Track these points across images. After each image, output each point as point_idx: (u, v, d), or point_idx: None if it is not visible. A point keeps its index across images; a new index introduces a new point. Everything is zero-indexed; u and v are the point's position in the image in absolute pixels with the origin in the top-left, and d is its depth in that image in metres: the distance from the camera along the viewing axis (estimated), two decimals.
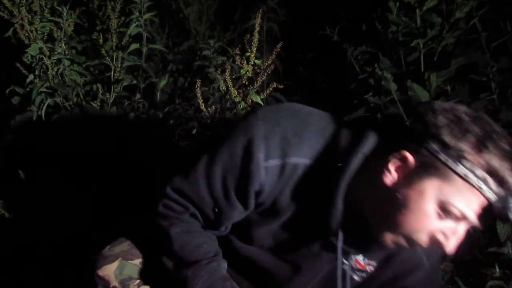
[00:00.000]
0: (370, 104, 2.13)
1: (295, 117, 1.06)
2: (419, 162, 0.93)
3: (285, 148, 1.00)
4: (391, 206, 0.95)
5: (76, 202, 1.79)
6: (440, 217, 0.93)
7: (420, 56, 2.11)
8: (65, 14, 1.85)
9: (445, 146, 0.90)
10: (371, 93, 2.14)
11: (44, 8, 1.90)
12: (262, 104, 1.73)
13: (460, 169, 0.89)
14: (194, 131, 1.92)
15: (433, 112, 0.93)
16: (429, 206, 0.92)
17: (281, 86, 1.73)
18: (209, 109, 1.76)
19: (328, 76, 2.61)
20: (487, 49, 2.11)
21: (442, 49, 2.09)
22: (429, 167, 0.91)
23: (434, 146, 0.91)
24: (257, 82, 1.70)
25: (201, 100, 1.71)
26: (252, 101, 1.71)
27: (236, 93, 1.71)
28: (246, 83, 1.73)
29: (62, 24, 1.87)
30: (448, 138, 0.90)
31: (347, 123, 1.07)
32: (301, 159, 1.01)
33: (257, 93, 1.72)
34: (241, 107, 1.71)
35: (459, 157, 0.89)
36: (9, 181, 1.89)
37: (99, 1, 2.11)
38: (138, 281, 1.17)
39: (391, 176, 0.95)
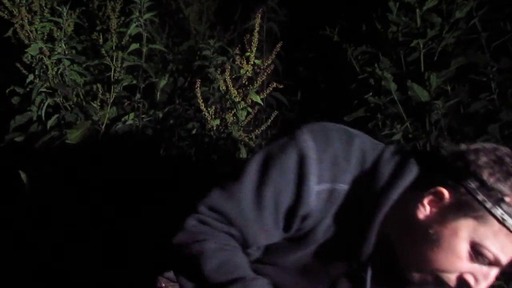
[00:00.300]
0: (370, 104, 2.14)
1: (342, 138, 1.00)
2: (456, 200, 0.90)
3: (336, 173, 0.96)
4: (422, 242, 0.92)
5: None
6: (471, 258, 0.90)
7: (420, 56, 2.11)
8: (65, 14, 1.85)
9: (484, 186, 0.87)
10: (371, 93, 2.14)
11: (44, 8, 1.90)
12: (262, 104, 1.73)
13: (499, 212, 0.86)
14: (194, 131, 1.92)
15: (475, 151, 0.91)
16: (462, 246, 0.89)
17: (281, 86, 1.73)
18: (209, 109, 1.76)
19: (328, 76, 2.61)
20: (487, 49, 2.11)
21: (442, 49, 2.10)
22: (465, 206, 0.89)
23: (473, 185, 0.88)
24: (257, 82, 1.70)
25: (201, 100, 1.71)
26: (252, 101, 1.71)
27: (236, 93, 1.71)
28: (246, 83, 1.73)
29: (62, 24, 1.87)
30: (488, 179, 0.87)
31: (388, 148, 1.03)
32: (345, 186, 0.97)
33: (257, 93, 1.72)
34: (241, 107, 1.71)
35: (498, 200, 0.87)
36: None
37: (99, 1, 2.11)
38: None
39: (425, 211, 0.93)
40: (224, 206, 0.98)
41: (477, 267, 0.91)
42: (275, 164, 0.96)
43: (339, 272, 1.05)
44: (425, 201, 0.93)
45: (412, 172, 0.96)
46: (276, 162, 0.97)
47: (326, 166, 0.96)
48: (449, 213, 0.90)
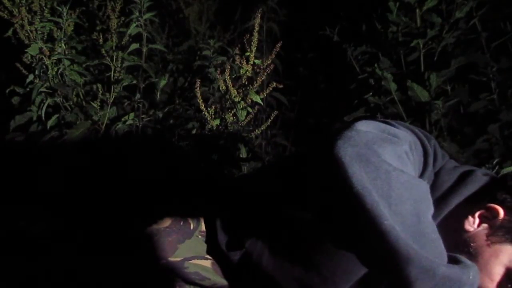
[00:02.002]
0: (370, 104, 2.14)
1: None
2: (509, 222, 0.90)
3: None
4: (461, 253, 0.91)
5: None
6: (500, 284, 0.90)
7: (420, 56, 2.11)
8: (65, 14, 1.85)
9: None
10: (371, 93, 2.14)
11: (44, 8, 1.90)
12: (262, 103, 1.73)
13: None
14: (194, 131, 1.92)
15: None
16: (498, 270, 0.90)
17: (281, 86, 1.73)
18: (209, 109, 1.76)
19: (328, 76, 2.61)
20: (487, 49, 2.11)
21: (442, 49, 2.10)
22: None
23: None
24: (256, 82, 1.70)
25: (201, 100, 1.71)
26: (252, 100, 1.71)
27: (236, 92, 1.71)
28: (246, 83, 1.73)
29: (62, 24, 1.87)
30: None
31: (451, 160, 1.03)
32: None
33: (257, 92, 1.72)
34: (241, 106, 1.71)
35: None
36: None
37: (99, 1, 2.11)
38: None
39: (473, 224, 0.93)
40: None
41: None
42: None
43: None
44: (477, 214, 0.93)
45: (473, 185, 0.96)
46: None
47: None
48: (497, 233, 0.91)
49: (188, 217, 1.19)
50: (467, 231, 0.93)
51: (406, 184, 0.81)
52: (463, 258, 0.86)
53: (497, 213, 0.91)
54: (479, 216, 0.93)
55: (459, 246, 0.93)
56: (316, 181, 0.95)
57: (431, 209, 0.85)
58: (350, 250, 0.89)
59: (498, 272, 0.90)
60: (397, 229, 0.76)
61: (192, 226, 1.19)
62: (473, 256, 0.91)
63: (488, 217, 0.92)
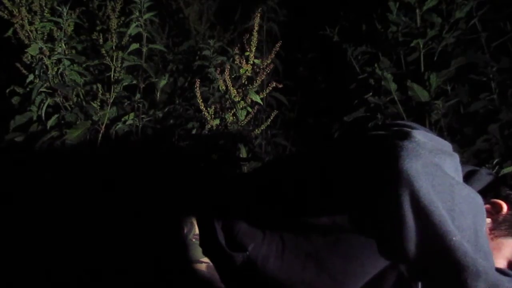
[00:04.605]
0: (370, 104, 2.14)
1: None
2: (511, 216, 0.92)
3: None
4: None
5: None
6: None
7: (420, 56, 2.11)
8: (65, 14, 1.85)
9: None
10: (371, 93, 2.14)
11: (44, 8, 1.90)
12: (262, 103, 1.73)
13: None
14: (194, 131, 1.92)
15: None
16: (499, 263, 0.91)
17: (281, 86, 1.73)
18: (208, 109, 1.76)
19: (328, 76, 2.61)
20: (487, 49, 2.11)
21: (442, 49, 2.10)
22: None
23: None
24: (256, 82, 1.70)
25: (201, 100, 1.71)
26: (252, 100, 1.71)
27: (236, 92, 1.71)
28: (246, 82, 1.73)
29: (62, 24, 1.87)
30: None
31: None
32: None
33: (257, 92, 1.72)
34: (241, 106, 1.71)
35: None
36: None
37: (99, 1, 2.11)
38: None
39: None
40: None
41: None
42: None
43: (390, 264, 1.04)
44: None
45: (479, 184, 0.97)
46: None
47: None
48: (500, 227, 0.92)
49: (181, 221, 1.19)
50: None
51: (467, 198, 0.81)
52: (507, 270, 0.88)
53: (501, 208, 0.93)
54: None
55: None
56: (359, 187, 0.92)
57: (485, 222, 0.85)
58: (398, 260, 0.87)
59: (500, 265, 0.91)
60: (465, 245, 0.76)
61: (185, 230, 1.18)
62: None
63: (492, 212, 0.93)
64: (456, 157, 0.87)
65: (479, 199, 0.84)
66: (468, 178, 0.98)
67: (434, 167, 0.80)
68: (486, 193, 0.95)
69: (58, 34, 1.88)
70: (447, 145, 0.91)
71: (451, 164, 0.84)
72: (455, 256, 0.75)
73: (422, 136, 0.87)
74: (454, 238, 0.76)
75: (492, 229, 0.92)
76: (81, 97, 1.95)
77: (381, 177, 0.83)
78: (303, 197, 1.04)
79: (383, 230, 0.84)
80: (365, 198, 0.89)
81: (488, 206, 0.94)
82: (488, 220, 0.93)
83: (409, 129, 0.89)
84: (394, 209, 0.80)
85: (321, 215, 1.00)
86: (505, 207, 0.92)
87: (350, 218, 0.97)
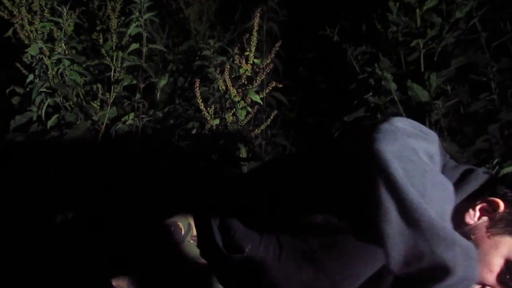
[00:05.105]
0: (370, 104, 2.14)
1: None
2: (509, 214, 0.92)
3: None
4: None
5: None
6: (500, 275, 0.91)
7: (420, 56, 2.11)
8: (65, 14, 1.85)
9: None
10: (371, 93, 2.14)
11: (44, 8, 1.90)
12: (262, 103, 1.73)
13: None
14: (194, 131, 1.92)
15: None
16: (497, 261, 0.91)
17: (281, 86, 1.73)
18: (208, 108, 1.76)
19: (328, 76, 2.61)
20: (487, 49, 2.11)
21: (442, 49, 2.10)
22: None
23: None
24: (256, 82, 1.70)
25: (201, 100, 1.71)
26: (252, 100, 1.71)
27: (236, 92, 1.71)
28: (246, 82, 1.73)
29: (62, 24, 1.87)
30: None
31: (451, 160, 1.04)
32: None
33: (257, 92, 1.72)
34: (240, 106, 1.71)
35: None
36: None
37: (99, 1, 2.11)
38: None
39: (474, 216, 0.94)
40: None
41: (501, 286, 0.92)
42: None
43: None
44: (477, 207, 0.94)
45: (476, 183, 0.97)
46: None
47: None
48: (497, 225, 0.92)
49: (179, 222, 1.18)
50: (467, 224, 0.94)
51: (438, 185, 0.82)
52: None
53: (498, 206, 0.93)
54: (480, 209, 0.94)
55: None
56: (341, 175, 0.94)
57: (451, 211, 0.86)
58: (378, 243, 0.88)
59: (497, 263, 0.91)
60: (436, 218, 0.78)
61: (183, 231, 1.18)
62: None
63: (489, 210, 0.94)
64: (435, 145, 0.88)
65: (450, 188, 0.86)
66: (465, 177, 0.99)
67: (410, 152, 0.81)
68: (483, 192, 0.96)
69: (58, 34, 1.87)
70: (431, 134, 0.91)
71: (427, 150, 0.85)
72: (435, 229, 0.77)
73: (402, 123, 0.88)
74: (432, 214, 0.78)
75: (489, 227, 0.93)
76: (81, 97, 1.95)
77: (359, 159, 0.85)
78: (296, 198, 1.05)
79: (362, 211, 0.85)
80: (346, 181, 0.91)
81: (485, 204, 0.94)
82: (485, 219, 0.94)
83: (392, 118, 0.90)
84: (370, 190, 0.81)
85: (315, 214, 1.01)
86: (502, 205, 0.92)
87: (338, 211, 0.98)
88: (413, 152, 0.82)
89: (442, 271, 0.77)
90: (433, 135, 0.91)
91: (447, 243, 0.76)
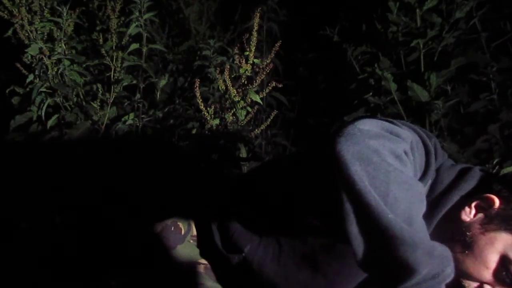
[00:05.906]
0: (370, 104, 2.14)
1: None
2: (504, 211, 0.92)
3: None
4: (456, 243, 0.93)
5: None
6: (496, 272, 0.91)
7: (420, 56, 2.11)
8: (65, 14, 1.85)
9: None
10: (371, 93, 2.14)
11: (44, 8, 1.90)
12: (262, 103, 1.73)
13: None
14: (194, 131, 1.92)
15: None
16: (493, 257, 0.91)
17: (281, 86, 1.73)
18: (208, 108, 1.76)
19: (328, 76, 2.61)
20: (487, 49, 2.11)
21: (442, 49, 2.10)
22: (511, 220, 0.91)
23: None
24: (256, 82, 1.70)
25: (201, 100, 1.71)
26: (252, 100, 1.71)
27: (236, 92, 1.71)
28: (246, 82, 1.73)
29: (62, 24, 1.87)
30: None
31: (449, 159, 1.04)
32: None
33: (257, 92, 1.72)
34: (240, 106, 1.71)
35: None
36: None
37: (99, 1, 2.11)
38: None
39: (469, 214, 0.94)
40: None
41: (498, 283, 0.92)
42: None
43: None
44: (473, 204, 0.94)
45: (473, 181, 0.98)
46: None
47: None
48: (492, 222, 0.92)
49: (178, 222, 1.18)
50: (463, 221, 0.95)
51: (403, 185, 0.82)
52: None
53: (493, 202, 0.93)
54: (475, 206, 0.95)
55: (454, 236, 0.94)
56: (318, 179, 0.96)
57: (423, 211, 0.86)
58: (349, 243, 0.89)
59: (493, 259, 0.91)
60: (401, 223, 0.78)
61: (183, 231, 1.18)
62: (469, 244, 0.92)
63: (484, 207, 0.94)
64: (402, 145, 0.87)
65: (418, 187, 0.85)
66: (462, 175, 0.99)
67: (371, 153, 0.82)
68: (480, 189, 0.96)
69: (58, 34, 1.88)
70: (404, 134, 0.90)
71: (393, 151, 0.85)
72: (393, 232, 0.77)
73: (367, 124, 0.88)
74: (389, 216, 0.77)
75: (484, 224, 0.93)
76: (81, 97, 1.95)
77: (326, 162, 0.86)
78: (296, 198, 1.05)
79: (336, 211, 0.86)
80: (319, 186, 0.93)
81: (480, 201, 0.94)
82: (481, 215, 0.94)
83: (359, 119, 0.90)
84: (335, 191, 0.82)
85: (315, 215, 1.01)
86: (497, 201, 0.93)
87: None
88: (374, 153, 0.82)
89: (405, 271, 0.76)
90: (405, 135, 0.90)
91: (406, 244, 0.76)
